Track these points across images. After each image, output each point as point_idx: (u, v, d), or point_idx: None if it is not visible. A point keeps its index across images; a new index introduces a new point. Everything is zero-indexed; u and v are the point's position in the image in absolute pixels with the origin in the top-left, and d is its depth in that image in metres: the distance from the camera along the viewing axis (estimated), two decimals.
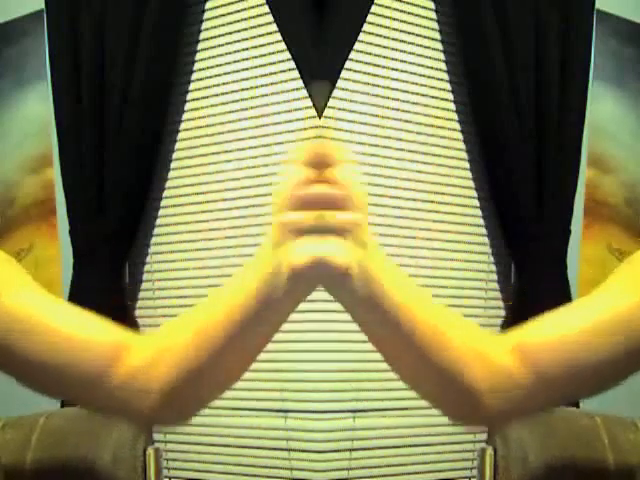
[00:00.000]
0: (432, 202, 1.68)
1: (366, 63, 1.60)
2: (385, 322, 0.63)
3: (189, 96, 1.70)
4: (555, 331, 0.69)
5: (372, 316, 0.63)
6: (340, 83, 1.55)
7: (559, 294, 1.68)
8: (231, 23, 1.64)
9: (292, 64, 1.54)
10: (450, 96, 1.71)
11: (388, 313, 0.63)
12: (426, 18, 1.67)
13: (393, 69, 1.63)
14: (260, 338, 0.66)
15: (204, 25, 1.68)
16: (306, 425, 1.54)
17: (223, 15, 1.65)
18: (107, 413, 0.69)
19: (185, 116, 1.71)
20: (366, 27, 1.58)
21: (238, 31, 1.63)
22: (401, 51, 1.64)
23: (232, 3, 1.63)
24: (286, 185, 0.60)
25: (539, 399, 0.69)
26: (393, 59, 1.63)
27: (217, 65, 1.66)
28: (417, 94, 1.66)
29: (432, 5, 1.67)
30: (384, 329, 0.64)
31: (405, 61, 1.65)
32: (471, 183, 1.73)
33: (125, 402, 0.68)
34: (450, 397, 0.68)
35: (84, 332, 0.69)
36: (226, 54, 1.65)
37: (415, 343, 0.64)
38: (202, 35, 1.68)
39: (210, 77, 1.67)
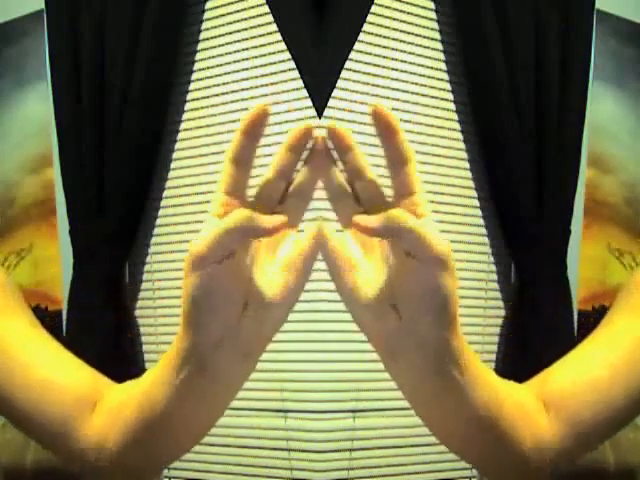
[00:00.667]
0: (432, 202, 1.68)
1: (366, 63, 1.60)
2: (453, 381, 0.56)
3: (189, 96, 1.70)
4: (581, 374, 0.67)
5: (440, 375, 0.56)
6: (340, 83, 1.55)
7: (559, 294, 1.69)
8: (231, 23, 1.64)
9: (292, 64, 1.54)
10: (450, 96, 1.71)
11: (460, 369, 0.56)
12: (426, 18, 1.67)
13: (393, 69, 1.63)
14: (205, 408, 0.60)
15: (204, 25, 1.68)
16: (306, 425, 1.54)
17: (223, 15, 1.65)
18: (68, 466, 0.68)
19: (185, 116, 1.71)
20: (366, 27, 1.57)
21: (238, 31, 1.63)
22: (401, 51, 1.64)
23: (232, 3, 1.64)
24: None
25: (581, 449, 0.67)
26: (393, 59, 1.63)
27: (217, 65, 1.66)
28: (417, 94, 1.66)
29: (432, 5, 1.67)
30: (449, 390, 0.57)
31: (405, 61, 1.65)
32: (471, 183, 1.73)
33: (84, 461, 0.66)
34: (500, 462, 0.63)
35: (56, 376, 0.67)
36: (226, 54, 1.65)
37: (477, 405, 0.58)
38: (202, 35, 1.68)
39: (210, 77, 1.67)
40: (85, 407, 0.66)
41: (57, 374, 0.67)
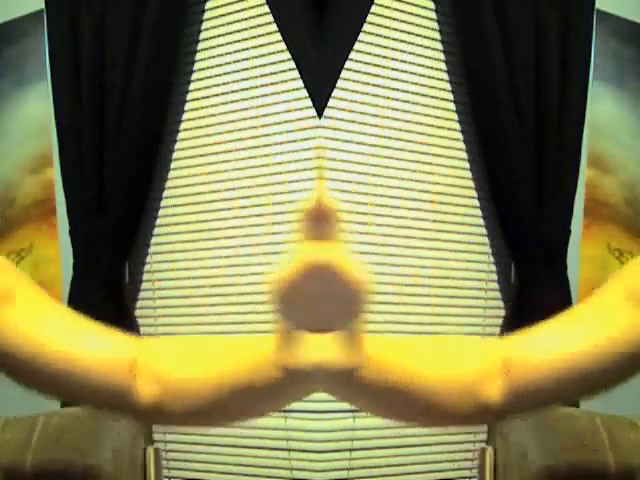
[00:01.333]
0: (432, 202, 1.68)
1: (366, 63, 1.60)
2: (397, 397, 0.64)
3: (189, 96, 1.70)
4: (550, 352, 0.69)
5: (386, 398, 0.65)
6: (340, 83, 1.55)
7: (559, 294, 1.68)
8: (231, 23, 1.64)
9: (292, 64, 1.54)
10: (450, 96, 1.71)
11: (403, 388, 0.64)
12: (426, 18, 1.67)
13: (393, 69, 1.63)
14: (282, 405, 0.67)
15: (204, 25, 1.68)
16: (306, 425, 1.54)
17: (223, 15, 1.65)
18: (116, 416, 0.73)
19: (185, 116, 1.71)
20: (366, 27, 1.57)
21: (238, 31, 1.63)
22: (401, 51, 1.64)
23: (232, 3, 1.63)
24: (285, 272, 0.54)
25: (534, 409, 0.73)
26: (393, 59, 1.63)
27: (217, 65, 1.66)
28: (417, 94, 1.66)
29: (432, 5, 1.67)
30: (395, 404, 0.66)
31: (405, 61, 1.65)
32: (471, 183, 1.73)
33: (135, 416, 0.72)
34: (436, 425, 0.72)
35: (101, 345, 0.70)
36: (226, 54, 1.65)
37: (423, 403, 0.66)
38: (202, 35, 1.68)
39: (210, 77, 1.67)
40: (129, 369, 0.68)
41: (99, 344, 0.70)
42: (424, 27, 1.67)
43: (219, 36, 1.66)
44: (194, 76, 1.70)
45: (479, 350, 0.72)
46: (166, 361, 0.69)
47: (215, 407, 0.66)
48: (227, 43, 1.65)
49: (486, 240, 1.75)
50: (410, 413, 0.68)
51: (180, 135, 1.71)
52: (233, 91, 1.64)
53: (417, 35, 1.66)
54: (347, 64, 1.55)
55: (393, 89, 1.63)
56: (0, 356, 0.66)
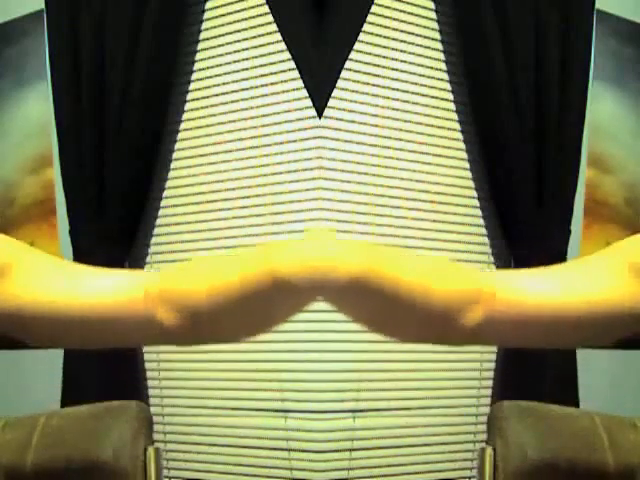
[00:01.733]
0: (432, 202, 1.68)
1: (366, 63, 1.60)
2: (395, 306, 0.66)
3: (189, 96, 1.70)
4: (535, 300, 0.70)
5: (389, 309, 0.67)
6: (340, 83, 1.55)
7: None
8: (231, 23, 1.64)
9: (292, 64, 1.55)
10: (450, 96, 1.71)
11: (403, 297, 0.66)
12: (426, 18, 1.67)
13: (393, 69, 1.64)
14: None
15: (204, 25, 1.68)
16: (306, 425, 1.54)
17: (223, 15, 1.65)
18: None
19: (185, 116, 1.71)
20: (366, 27, 1.58)
21: (238, 31, 1.63)
22: (401, 51, 1.64)
23: (232, 3, 1.64)
24: None
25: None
26: (393, 59, 1.63)
27: (217, 65, 1.66)
28: (417, 94, 1.66)
29: (432, 5, 1.67)
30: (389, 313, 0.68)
31: (405, 61, 1.65)
32: (471, 183, 1.73)
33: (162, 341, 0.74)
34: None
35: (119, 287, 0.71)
36: (226, 54, 1.65)
37: (404, 315, 0.68)
38: (202, 35, 1.68)
39: (210, 77, 1.68)
40: (144, 303, 0.70)
41: (103, 286, 0.72)
42: (424, 27, 1.67)
43: (219, 36, 1.66)
44: (194, 76, 1.70)
45: (467, 273, 0.73)
46: (178, 286, 0.70)
47: (239, 319, 0.67)
48: (227, 43, 1.65)
49: (486, 240, 1.75)
50: (391, 324, 0.70)
51: (180, 135, 1.72)
52: (233, 91, 1.64)
53: (417, 35, 1.66)
54: (347, 64, 1.55)
55: (393, 89, 1.63)
56: (6, 318, 0.68)
